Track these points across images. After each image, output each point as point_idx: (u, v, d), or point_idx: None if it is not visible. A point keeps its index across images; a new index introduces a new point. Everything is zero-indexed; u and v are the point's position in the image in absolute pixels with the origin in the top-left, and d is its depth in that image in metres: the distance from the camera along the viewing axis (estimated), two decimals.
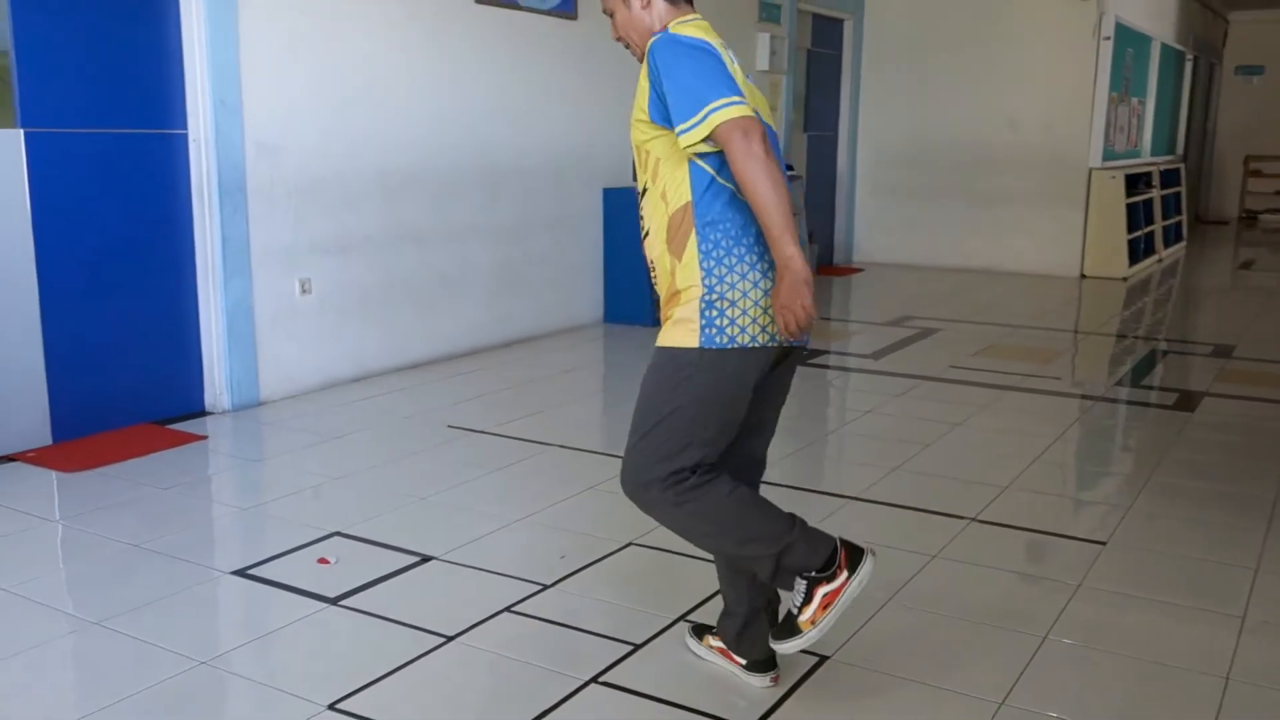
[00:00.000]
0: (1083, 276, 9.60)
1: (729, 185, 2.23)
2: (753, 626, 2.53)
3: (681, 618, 2.86)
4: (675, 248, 2.26)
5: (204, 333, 4.83)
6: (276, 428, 4.67)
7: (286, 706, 2.41)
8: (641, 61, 2.32)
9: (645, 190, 2.34)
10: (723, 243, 2.23)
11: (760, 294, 2.23)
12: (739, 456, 2.45)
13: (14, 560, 3.23)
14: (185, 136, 4.66)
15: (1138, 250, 9.97)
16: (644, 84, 2.26)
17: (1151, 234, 10.60)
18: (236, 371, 4.85)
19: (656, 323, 5.88)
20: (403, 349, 5.67)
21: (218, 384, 4.84)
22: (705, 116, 2.12)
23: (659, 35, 2.25)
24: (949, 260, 10.10)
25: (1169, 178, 11.65)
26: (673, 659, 2.65)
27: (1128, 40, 10.05)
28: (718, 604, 2.94)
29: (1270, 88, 15.79)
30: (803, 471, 4.18)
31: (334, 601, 2.95)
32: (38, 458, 4.16)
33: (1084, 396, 5.37)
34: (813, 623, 2.30)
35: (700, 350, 2.23)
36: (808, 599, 2.31)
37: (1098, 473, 4.31)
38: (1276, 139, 15.64)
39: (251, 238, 4.83)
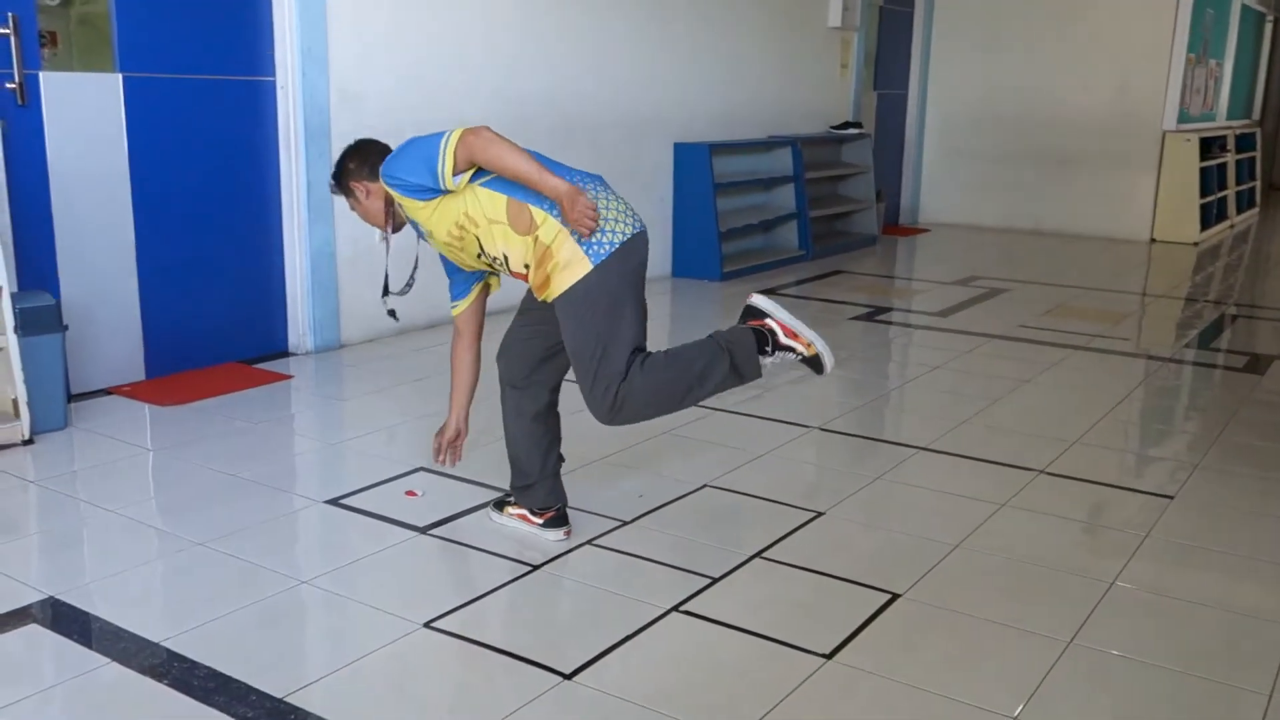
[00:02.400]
0: (1153, 241, 9.49)
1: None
2: (544, 486, 3.01)
3: (757, 554, 2.96)
4: (524, 226, 2.70)
5: (289, 276, 4.98)
6: (358, 369, 4.82)
7: (384, 623, 2.55)
8: (387, 231, 2.96)
9: (485, 253, 2.79)
10: (547, 199, 2.67)
11: (601, 204, 2.70)
12: None
13: (119, 485, 3.41)
14: (273, 83, 4.79)
15: (1209, 215, 9.82)
16: (408, 202, 2.76)
17: (1224, 199, 10.43)
18: (319, 314, 5.00)
19: (724, 277, 6.10)
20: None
21: (301, 326, 5.01)
22: (443, 151, 2.64)
23: (383, 175, 2.77)
24: (1017, 222, 10.02)
25: (1244, 142, 11.42)
26: (751, 591, 2.75)
27: (1208, 0, 9.84)
28: (790, 543, 3.05)
29: None
30: (871, 422, 4.25)
31: (423, 530, 3.09)
32: (133, 391, 4.35)
33: (1152, 357, 5.36)
34: (809, 345, 2.75)
35: (594, 269, 2.67)
36: (789, 348, 2.74)
37: (1166, 430, 4.33)
38: None
39: None
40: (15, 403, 3.68)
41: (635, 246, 2.74)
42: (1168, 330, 6.19)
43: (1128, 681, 2.36)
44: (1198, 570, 2.93)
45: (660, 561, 2.91)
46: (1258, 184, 12.03)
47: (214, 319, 4.76)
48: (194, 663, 2.35)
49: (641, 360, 2.73)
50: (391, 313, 3.19)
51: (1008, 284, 7.25)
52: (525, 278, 2.81)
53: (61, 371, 3.83)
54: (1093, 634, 2.55)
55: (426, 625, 2.54)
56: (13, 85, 3.94)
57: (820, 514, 3.25)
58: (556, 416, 3.07)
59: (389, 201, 2.91)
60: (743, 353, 2.74)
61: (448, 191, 2.71)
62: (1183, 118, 9.62)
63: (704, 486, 3.46)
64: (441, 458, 3.21)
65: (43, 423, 3.79)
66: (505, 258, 2.77)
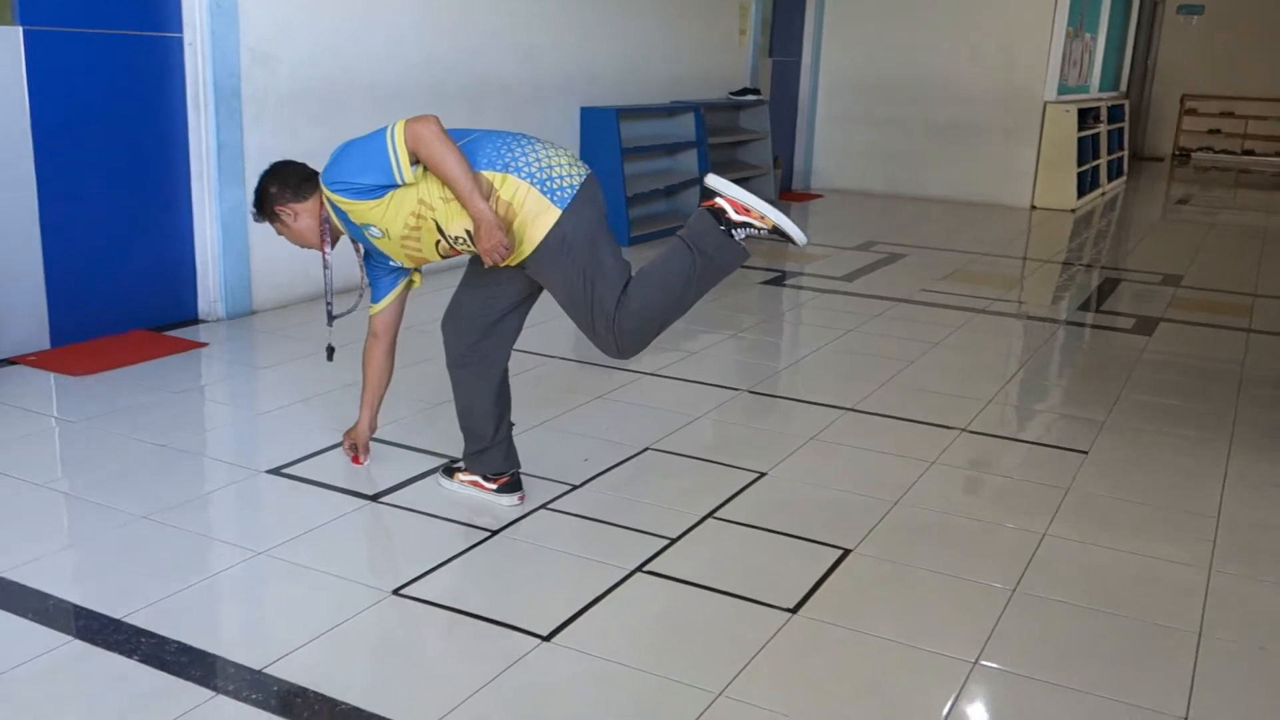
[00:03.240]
0: (1033, 207, 9.89)
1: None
2: (498, 451, 3.03)
3: (710, 514, 3.03)
4: (483, 192, 2.64)
5: (198, 240, 4.83)
6: (274, 336, 4.71)
7: (352, 592, 2.54)
8: (325, 250, 2.91)
9: (445, 238, 2.75)
10: (497, 159, 2.69)
11: (545, 157, 2.73)
12: None
13: (43, 459, 3.28)
14: (181, 40, 4.61)
15: (1084, 183, 10.27)
16: (357, 206, 2.70)
17: (1097, 168, 10.92)
18: (230, 280, 4.87)
19: (633, 241, 6.15)
20: None
21: (212, 292, 4.86)
22: (391, 146, 2.60)
23: (327, 183, 2.72)
24: (905, 189, 10.31)
25: (1114, 113, 11.96)
26: (709, 550, 2.83)
27: None
28: (739, 503, 3.13)
29: (1209, 27, 16.14)
30: (797, 385, 4.36)
31: (374, 498, 3.07)
32: (39, 361, 4.17)
33: (1049, 320, 5.62)
34: (762, 218, 2.71)
35: (562, 214, 2.68)
36: (745, 224, 2.72)
37: (1071, 390, 4.56)
38: (1211, 78, 16.06)
39: (246, 145, 4.82)
40: None
41: (593, 186, 2.78)
42: (1060, 294, 6.49)
43: (1070, 625, 2.52)
44: (1120, 521, 3.12)
45: (616, 524, 2.96)
46: (1124, 153, 12.62)
47: (121, 285, 4.59)
48: (162, 638, 2.31)
49: (624, 288, 2.75)
50: (330, 350, 3.18)
51: (904, 249, 7.48)
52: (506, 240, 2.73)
53: None
54: (1033, 583, 2.71)
55: (395, 592, 2.54)
56: None
57: (763, 474, 3.34)
58: (507, 382, 3.08)
59: (322, 219, 2.86)
60: (710, 240, 2.72)
61: (402, 184, 2.66)
62: (1061, 89, 10.02)
63: (646, 450, 3.52)
64: (353, 456, 3.25)
65: None
66: (468, 234, 2.72)
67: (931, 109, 10.10)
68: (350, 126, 5.36)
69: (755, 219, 2.71)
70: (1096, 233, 9.06)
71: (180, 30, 4.60)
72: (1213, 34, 16.06)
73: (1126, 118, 12.70)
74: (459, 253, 2.83)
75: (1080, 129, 10.03)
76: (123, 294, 4.59)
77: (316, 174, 2.85)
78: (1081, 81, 11.06)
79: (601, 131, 7.14)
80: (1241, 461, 3.60)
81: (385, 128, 2.64)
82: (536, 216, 2.69)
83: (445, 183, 2.63)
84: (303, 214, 2.87)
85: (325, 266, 2.96)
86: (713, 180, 2.77)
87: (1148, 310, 5.85)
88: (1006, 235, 8.49)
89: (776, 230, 2.72)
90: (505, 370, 3.07)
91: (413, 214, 2.72)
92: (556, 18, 6.78)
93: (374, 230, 2.78)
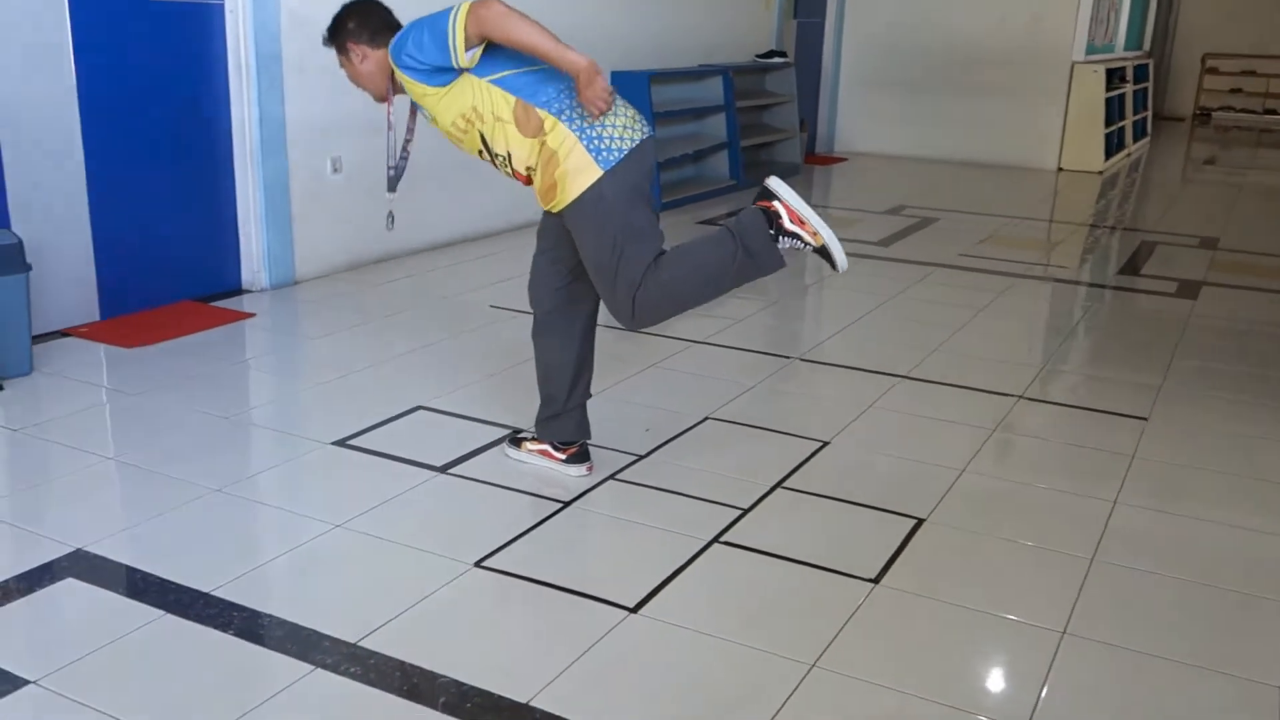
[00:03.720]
0: (1060, 170, 9.81)
1: (516, 69, 2.71)
2: (571, 419, 3.03)
3: (779, 485, 3.03)
4: (532, 130, 2.68)
5: (241, 210, 4.80)
6: (319, 306, 4.70)
7: (435, 565, 2.54)
8: (383, 101, 2.89)
9: (488, 149, 2.77)
10: (555, 101, 2.68)
11: (614, 107, 2.68)
12: None
13: (112, 432, 3.29)
14: (223, 6, 4.56)
15: (1110, 145, 10.18)
16: (417, 88, 2.72)
17: (1122, 129, 10.82)
18: (274, 250, 4.85)
19: (665, 207, 6.07)
20: (425, 230, 5.68)
21: (255, 262, 4.85)
22: (452, 26, 2.58)
23: (394, 58, 2.71)
24: (929, 152, 10.22)
25: (1139, 73, 11.83)
26: (783, 521, 2.83)
27: None
28: (806, 472, 3.13)
29: None
30: (849, 352, 4.33)
31: (442, 470, 3.07)
32: (90, 333, 4.16)
33: (1092, 284, 5.59)
34: (814, 234, 2.68)
35: (603, 175, 2.66)
36: (795, 234, 2.68)
37: (1122, 355, 4.52)
38: (1233, 37, 15.87)
39: (288, 114, 4.78)
40: None
41: (645, 152, 2.74)
42: (1100, 258, 6.44)
43: (1159, 595, 2.52)
44: (1195, 489, 3.11)
45: (687, 494, 2.96)
46: (1148, 114, 12.50)
47: (166, 255, 4.58)
48: (254, 611, 2.32)
49: (655, 259, 2.72)
50: (390, 216, 3.16)
51: (936, 213, 7.43)
52: (526, 180, 2.79)
53: (26, 314, 3.65)
54: (1112, 551, 2.70)
55: (477, 565, 2.55)
56: None
57: (825, 443, 3.34)
58: (589, 349, 3.06)
59: (390, 75, 2.82)
60: (757, 239, 2.68)
61: (460, 71, 2.67)
62: (1089, 49, 9.91)
63: (706, 419, 3.51)
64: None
65: (8, 368, 3.61)
66: (509, 155, 2.75)
67: (956, 70, 9.99)
68: None
69: (807, 233, 2.68)
70: (1125, 195, 9.00)
71: None
72: None
73: (1151, 78, 12.57)
74: (496, 166, 2.84)
75: (1107, 89, 9.92)
76: (168, 264, 4.58)
77: (397, 29, 2.80)
78: (1108, 41, 10.94)
79: (633, 96, 7.05)
80: None
81: (451, 8, 2.60)
82: (578, 171, 2.67)
83: (530, 52, 2.61)
84: (371, 59, 2.83)
85: (389, 127, 2.97)
86: (775, 184, 2.73)
87: (1189, 274, 5.81)
88: (1036, 198, 8.43)
89: (823, 250, 2.69)
90: (587, 337, 3.04)
91: (463, 116, 2.74)
92: None
93: (424, 114, 2.83)
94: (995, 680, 2.21)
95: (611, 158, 2.67)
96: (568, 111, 2.67)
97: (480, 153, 2.81)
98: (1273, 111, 15.77)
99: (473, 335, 4.31)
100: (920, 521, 2.84)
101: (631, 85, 7.08)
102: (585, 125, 2.67)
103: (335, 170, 5.09)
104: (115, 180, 4.29)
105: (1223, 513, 2.94)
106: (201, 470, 3.01)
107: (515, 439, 3.19)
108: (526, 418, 3.32)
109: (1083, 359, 4.36)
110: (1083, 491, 3.05)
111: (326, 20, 2.78)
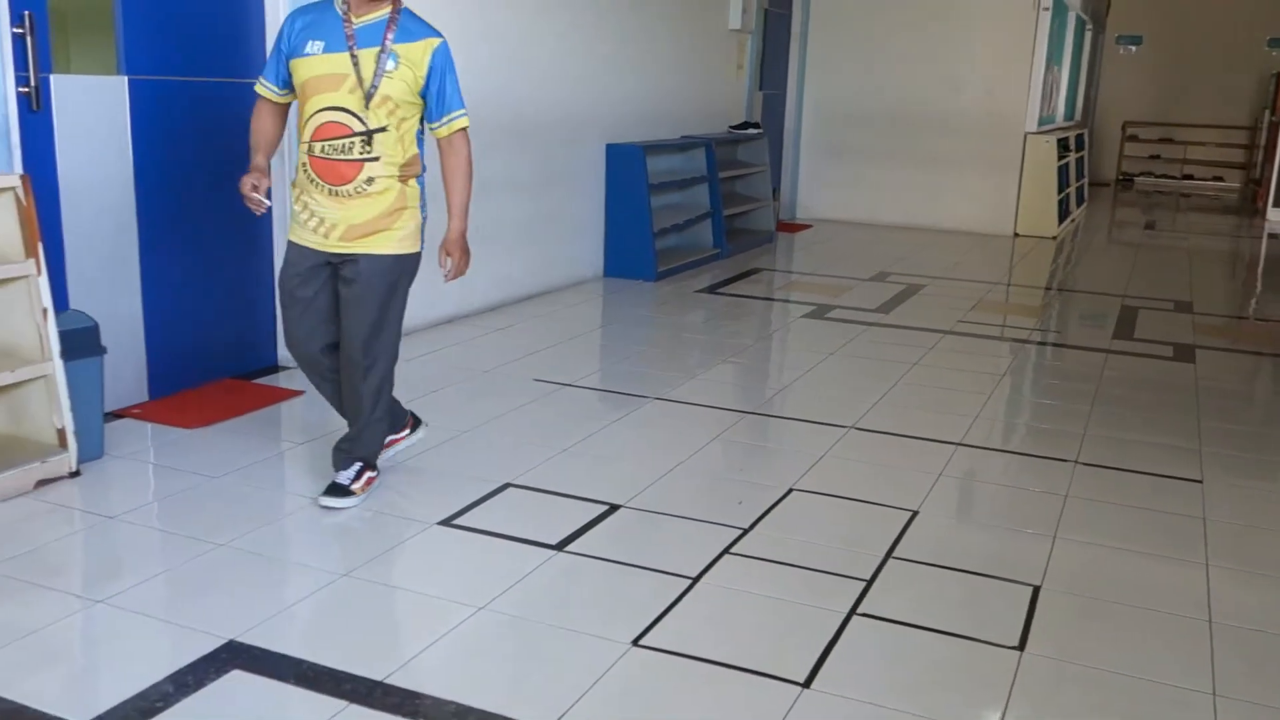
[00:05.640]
0: (1016, 235, 10.21)
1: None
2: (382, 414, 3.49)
3: (889, 554, 3.12)
4: (405, 177, 3.19)
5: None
6: None
7: (592, 646, 2.56)
8: (388, 42, 3.14)
9: (384, 129, 3.12)
10: (422, 186, 3.28)
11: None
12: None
13: (207, 517, 3.23)
14: None
15: (1062, 211, 10.64)
16: (421, 61, 3.14)
17: (1067, 195, 11.32)
18: None
19: (657, 277, 6.41)
20: (437, 304, 5.70)
21: None
22: (454, 118, 3.23)
23: (441, 41, 3.18)
24: (889, 218, 10.56)
25: (1078, 142, 12.41)
26: (907, 589, 2.92)
27: (1058, 11, 10.64)
28: (911, 540, 3.22)
29: (1147, 56, 16.85)
30: (903, 420, 4.40)
31: (558, 548, 3.10)
32: (144, 413, 4.10)
33: (1094, 349, 5.84)
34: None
35: (417, 255, 3.29)
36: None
37: (1154, 419, 4.71)
38: (1150, 106, 16.78)
39: None
40: (61, 433, 3.44)
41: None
42: (1092, 323, 6.69)
43: None
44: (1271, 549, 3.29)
45: (806, 566, 3.03)
46: (1085, 181, 13.10)
47: (208, 335, 4.53)
48: (436, 699, 2.32)
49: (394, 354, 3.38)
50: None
51: (918, 279, 7.68)
52: (349, 178, 3.10)
53: (100, 397, 3.60)
54: (1222, 612, 2.85)
55: (634, 644, 2.58)
56: (27, 89, 3.65)
57: (915, 512, 3.45)
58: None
59: (393, 19, 3.13)
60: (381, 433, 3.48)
61: (424, 123, 3.24)
62: (1041, 121, 10.39)
63: (791, 491, 3.60)
64: (257, 203, 3.29)
65: (82, 452, 3.54)
66: (382, 153, 3.11)
67: (914, 140, 10.38)
68: None
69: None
70: (1084, 259, 9.39)
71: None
72: (1151, 63, 16.78)
73: (1087, 146, 13.18)
74: (347, 135, 3.12)
75: (1058, 159, 10.40)
76: (210, 343, 4.54)
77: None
78: (1050, 113, 11.47)
79: (627, 168, 7.23)
80: None
81: (463, 105, 3.25)
82: (406, 235, 3.24)
83: (453, 191, 3.27)
84: (389, 4, 3.16)
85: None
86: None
87: (1178, 338, 6.10)
88: (1005, 264, 8.76)
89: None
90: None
91: (403, 104, 3.13)
92: (587, 51, 6.86)
93: (393, 61, 3.10)
94: None
95: (421, 247, 3.30)
96: (422, 193, 3.28)
97: (362, 107, 3.07)
98: (1190, 176, 16.64)
99: (531, 409, 4.34)
100: (1037, 589, 2.95)
101: (625, 157, 7.23)
102: (423, 214, 3.29)
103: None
104: (163, 260, 4.26)
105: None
106: (317, 554, 3.00)
107: (335, 487, 3.34)
108: (614, 492, 3.37)
109: (1115, 424, 4.53)
110: (1175, 556, 3.20)
111: None
